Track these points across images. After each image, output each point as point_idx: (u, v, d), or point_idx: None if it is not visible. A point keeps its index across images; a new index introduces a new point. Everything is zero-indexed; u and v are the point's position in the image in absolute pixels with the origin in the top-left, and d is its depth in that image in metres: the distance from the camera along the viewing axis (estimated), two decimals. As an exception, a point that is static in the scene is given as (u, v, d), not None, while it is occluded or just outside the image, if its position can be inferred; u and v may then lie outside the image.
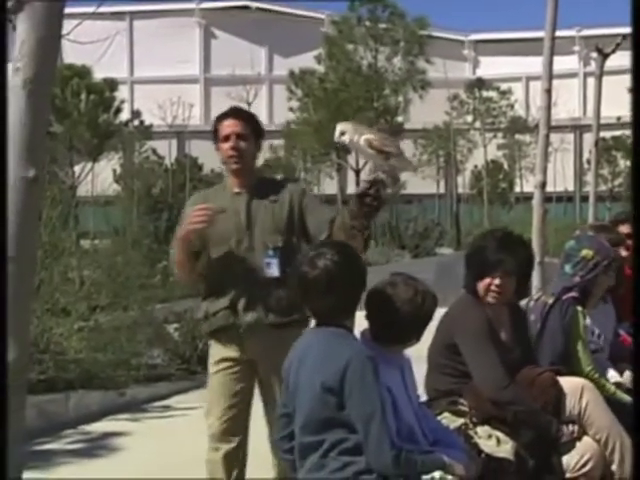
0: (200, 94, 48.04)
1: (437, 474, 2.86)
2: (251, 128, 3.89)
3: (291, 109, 30.31)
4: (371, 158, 3.62)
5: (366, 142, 3.58)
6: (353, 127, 3.65)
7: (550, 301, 4.36)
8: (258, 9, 47.81)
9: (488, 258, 3.91)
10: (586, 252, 4.38)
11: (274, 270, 3.76)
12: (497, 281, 3.88)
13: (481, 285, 3.91)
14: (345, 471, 2.85)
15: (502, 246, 3.95)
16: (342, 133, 3.61)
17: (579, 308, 4.31)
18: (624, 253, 4.95)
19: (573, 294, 4.35)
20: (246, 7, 47.76)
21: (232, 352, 3.86)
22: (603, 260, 4.38)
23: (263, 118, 47.78)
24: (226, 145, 3.85)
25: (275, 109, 44.13)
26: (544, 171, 7.47)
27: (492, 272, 3.88)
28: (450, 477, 2.90)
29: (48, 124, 1.62)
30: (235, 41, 47.51)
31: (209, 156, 37.73)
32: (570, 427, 3.84)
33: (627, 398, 4.33)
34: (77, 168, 25.30)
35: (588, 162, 29.30)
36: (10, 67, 1.60)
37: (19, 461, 1.68)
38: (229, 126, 3.86)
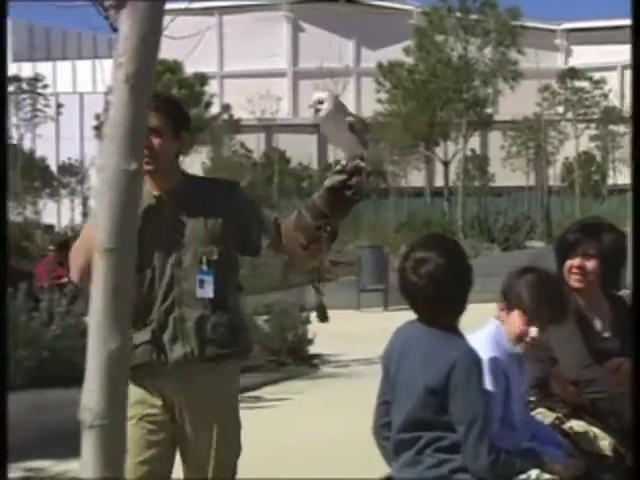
0: (288, 87, 48.33)
1: (534, 473, 2.81)
2: (168, 120, 3.14)
3: (379, 101, 30.23)
4: (347, 143, 3.10)
5: (348, 124, 3.07)
6: (334, 101, 3.04)
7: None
8: (346, 1, 47.82)
9: (568, 240, 3.88)
10: None
11: (208, 290, 3.08)
12: (576, 262, 3.82)
13: (564, 269, 3.86)
14: (441, 468, 2.82)
15: (583, 229, 3.90)
16: (320, 101, 3.01)
17: None
18: None
19: None
20: (335, 0, 47.82)
21: (153, 395, 3.07)
22: None
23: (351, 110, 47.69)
24: None
25: (363, 102, 44.09)
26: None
27: (571, 253, 3.83)
28: (547, 476, 2.85)
29: (147, 120, 1.64)
30: (323, 34, 47.63)
31: (297, 149, 38.02)
32: None
33: None
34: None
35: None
36: (112, 63, 1.62)
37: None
38: None
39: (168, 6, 1.79)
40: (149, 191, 3.11)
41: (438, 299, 2.84)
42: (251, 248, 3.20)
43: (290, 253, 3.19)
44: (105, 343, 1.61)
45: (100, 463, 1.63)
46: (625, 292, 4.42)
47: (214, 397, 3.05)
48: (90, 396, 1.62)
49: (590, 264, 3.83)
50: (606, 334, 3.92)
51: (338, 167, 3.06)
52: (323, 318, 3.26)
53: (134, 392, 2.95)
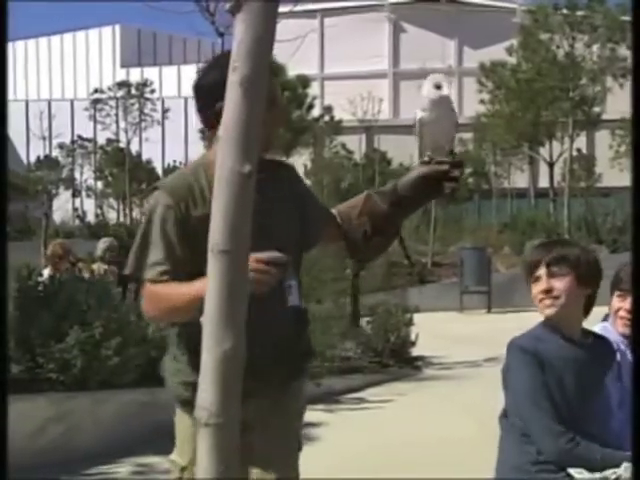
0: (389, 89, 48.25)
1: (625, 465, 2.71)
2: None
3: (482, 101, 29.85)
4: (446, 135, 2.86)
5: (455, 116, 2.87)
6: (449, 85, 2.80)
7: None
8: (448, 1, 47.41)
9: None
10: None
11: (295, 297, 2.62)
12: None
13: None
14: (528, 455, 2.80)
15: None
16: (438, 86, 2.77)
17: None
18: None
19: None
20: (436, 0, 47.48)
21: None
22: None
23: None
24: None
25: (465, 102, 43.65)
26: None
27: None
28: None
29: (262, 122, 1.67)
30: (424, 34, 47.35)
31: (398, 150, 37.87)
32: None
33: None
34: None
35: None
36: (230, 66, 1.65)
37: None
38: None
39: None
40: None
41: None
42: (308, 243, 2.75)
43: (350, 241, 2.79)
44: (220, 343, 1.63)
45: (214, 461, 1.65)
46: None
47: (288, 416, 2.67)
48: (205, 395, 1.65)
49: None
50: None
51: (425, 159, 2.84)
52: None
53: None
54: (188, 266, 2.46)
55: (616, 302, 3.30)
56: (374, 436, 6.44)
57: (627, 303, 3.22)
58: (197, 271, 2.27)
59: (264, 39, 1.59)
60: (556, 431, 2.71)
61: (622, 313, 3.25)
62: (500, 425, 2.89)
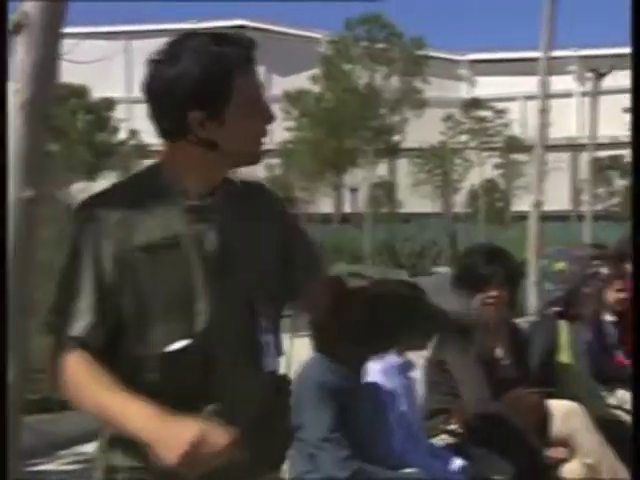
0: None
1: None
2: None
3: (287, 129, 30.40)
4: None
5: None
6: None
7: (534, 318, 4.40)
8: (255, 29, 48.00)
9: (480, 272, 3.92)
10: (559, 265, 4.42)
11: (272, 359, 1.97)
12: (494, 293, 3.89)
13: (478, 301, 3.91)
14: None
15: (491, 259, 3.97)
16: None
17: (562, 322, 4.33)
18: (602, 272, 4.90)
19: (556, 309, 4.37)
20: (242, 27, 47.95)
21: None
22: (578, 270, 4.40)
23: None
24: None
25: (272, 128, 44.15)
26: (540, 190, 7.52)
27: (485, 285, 3.90)
28: None
29: (46, 145, 1.63)
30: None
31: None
32: (557, 450, 3.83)
33: (621, 417, 4.34)
34: (75, 187, 25.32)
35: (584, 181, 29.43)
36: (10, 87, 1.61)
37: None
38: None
39: (72, 30, 1.77)
40: (187, 192, 1.91)
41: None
42: (291, 291, 2.09)
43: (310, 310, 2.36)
44: None
45: None
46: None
47: None
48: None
49: (503, 294, 3.92)
50: (506, 361, 4.00)
51: None
52: None
53: None
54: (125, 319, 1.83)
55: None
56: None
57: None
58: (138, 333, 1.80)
59: (47, 61, 1.57)
60: (342, 461, 2.80)
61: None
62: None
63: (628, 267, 5.52)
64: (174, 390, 1.80)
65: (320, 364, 2.92)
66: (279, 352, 2.01)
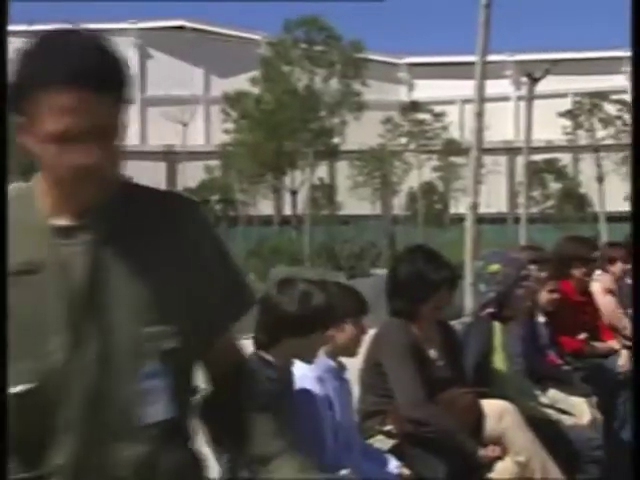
0: (136, 114, 47.71)
1: None
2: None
3: (227, 131, 30.31)
4: None
5: None
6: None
7: (469, 319, 4.45)
8: (194, 30, 47.76)
9: (432, 279, 3.92)
10: (492, 267, 4.47)
11: (159, 407, 1.64)
12: (440, 300, 3.93)
13: (426, 308, 3.92)
14: None
15: (436, 264, 3.99)
16: None
17: (496, 323, 4.39)
18: (533, 273, 4.98)
19: (490, 310, 4.43)
20: (182, 27, 47.67)
21: None
22: (512, 272, 4.47)
23: (200, 139, 47.65)
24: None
25: (212, 130, 44.02)
26: (476, 193, 7.61)
27: (435, 292, 3.92)
28: None
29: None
30: (171, 61, 47.36)
31: (145, 176, 37.55)
32: (490, 449, 3.87)
33: (551, 415, 4.42)
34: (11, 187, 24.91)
35: (520, 184, 29.93)
36: None
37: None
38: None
39: (10, 28, 1.71)
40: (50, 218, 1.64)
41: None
42: (209, 330, 1.72)
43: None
44: None
45: None
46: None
47: None
48: None
49: (447, 297, 3.96)
50: (440, 362, 4.04)
51: None
52: None
53: None
54: None
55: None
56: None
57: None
58: None
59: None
60: None
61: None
62: None
63: (568, 269, 5.63)
64: (17, 439, 1.57)
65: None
66: (181, 397, 1.68)
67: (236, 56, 44.06)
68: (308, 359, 3.13)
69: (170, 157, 41.41)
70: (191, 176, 32.30)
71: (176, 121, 22.14)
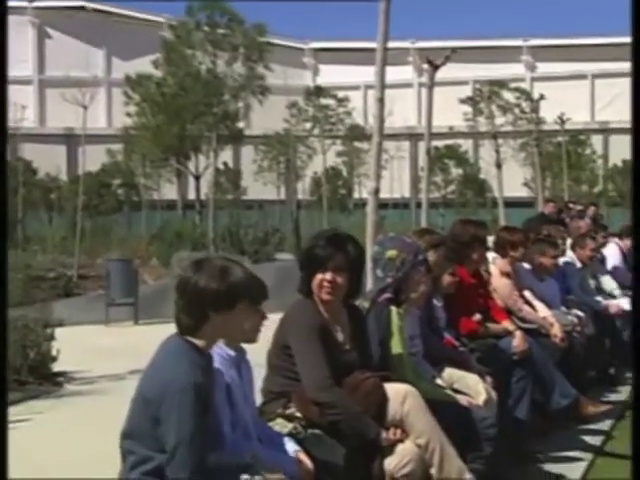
0: (34, 95, 46.43)
1: (245, 477, 2.87)
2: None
3: (128, 114, 29.79)
4: None
5: None
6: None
7: (367, 305, 4.51)
8: (95, 10, 46.70)
9: (318, 254, 4.00)
10: (390, 253, 4.55)
11: None
12: (328, 276, 3.96)
13: (314, 282, 3.98)
14: None
15: (330, 243, 4.04)
16: None
17: (393, 308, 4.46)
18: (431, 257, 5.08)
19: (387, 295, 4.50)
20: (82, 7, 46.55)
21: None
22: (409, 257, 4.55)
23: (102, 122, 46.66)
24: None
25: (114, 113, 43.19)
26: (378, 178, 7.69)
27: (322, 268, 3.96)
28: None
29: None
30: (71, 42, 46.21)
31: (44, 160, 36.58)
32: (392, 431, 3.94)
33: (448, 396, 4.52)
34: None
35: (422, 170, 30.35)
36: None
37: None
38: None
39: None
40: None
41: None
42: None
43: None
44: None
45: None
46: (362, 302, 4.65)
47: None
48: None
49: (341, 278, 3.98)
50: (347, 346, 4.08)
51: None
52: None
53: None
54: None
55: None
56: (8, 460, 6.14)
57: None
58: None
59: None
60: (190, 472, 2.78)
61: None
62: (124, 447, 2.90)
63: (466, 251, 5.76)
64: None
65: (181, 358, 2.88)
66: None
67: (138, 38, 43.28)
68: (237, 337, 3.14)
69: (70, 140, 40.47)
70: (92, 160, 31.66)
71: (76, 103, 21.61)
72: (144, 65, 31.36)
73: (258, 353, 3.89)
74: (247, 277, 3.08)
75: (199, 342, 2.98)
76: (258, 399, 3.77)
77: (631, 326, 5.42)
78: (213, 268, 3.00)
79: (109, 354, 11.39)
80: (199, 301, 2.95)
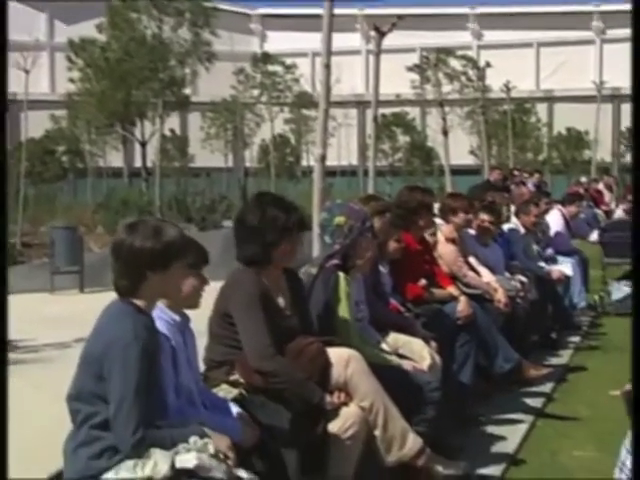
0: (-25, 60, 45.35)
1: (192, 440, 2.89)
2: None
3: (72, 80, 29.28)
4: None
5: None
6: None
7: (314, 271, 4.52)
8: (36, -27, 45.68)
9: (280, 222, 3.96)
10: (338, 219, 4.57)
11: None
12: (291, 243, 3.98)
13: (278, 252, 3.96)
14: (93, 446, 2.85)
15: (288, 210, 4.03)
16: None
17: (341, 274, 4.49)
18: (377, 224, 5.11)
19: (335, 261, 4.52)
20: (23, -30, 45.48)
21: None
22: (356, 223, 4.57)
23: (44, 87, 45.82)
24: None
25: (57, 78, 42.45)
26: (324, 145, 7.68)
27: (289, 237, 3.96)
28: (206, 440, 2.92)
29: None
30: (12, 5, 45.12)
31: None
32: (336, 395, 3.98)
33: (393, 361, 4.58)
34: None
35: (370, 137, 30.32)
36: None
37: None
38: None
39: None
40: None
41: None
42: None
43: None
44: None
45: None
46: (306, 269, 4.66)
47: None
48: None
49: (286, 245, 3.99)
50: (288, 312, 4.09)
51: None
52: None
53: None
54: None
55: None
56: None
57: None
58: None
59: None
60: (131, 429, 2.79)
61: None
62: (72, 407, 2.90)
63: (412, 218, 5.80)
64: None
65: (123, 318, 2.89)
66: None
67: (82, 2, 42.48)
68: (177, 299, 3.15)
69: (12, 105, 39.71)
70: (35, 125, 31.11)
71: (18, 68, 21.14)
72: (88, 29, 30.80)
73: (200, 321, 3.88)
74: (182, 237, 3.09)
75: (139, 302, 2.99)
76: (201, 367, 3.77)
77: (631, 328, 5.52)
78: (147, 228, 3.01)
79: (54, 322, 11.27)
80: (135, 261, 2.97)
